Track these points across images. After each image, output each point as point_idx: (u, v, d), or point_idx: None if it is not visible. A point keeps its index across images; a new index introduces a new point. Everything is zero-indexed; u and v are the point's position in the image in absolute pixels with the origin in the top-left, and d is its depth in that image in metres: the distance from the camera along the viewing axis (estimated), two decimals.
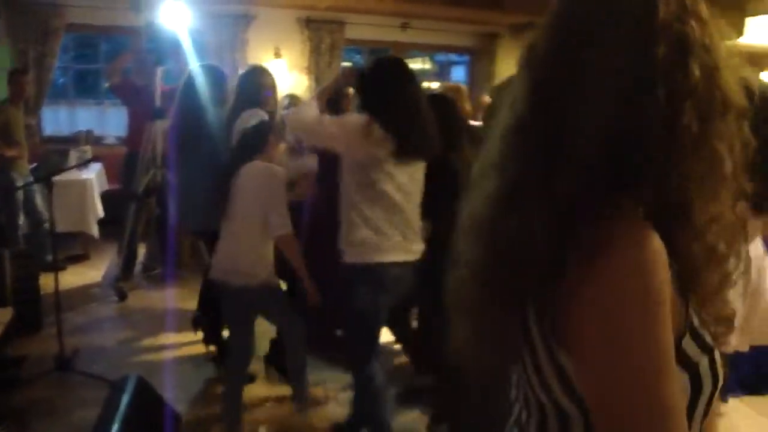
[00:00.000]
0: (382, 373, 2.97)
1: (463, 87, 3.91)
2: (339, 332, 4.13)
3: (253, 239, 3.06)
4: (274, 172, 3.08)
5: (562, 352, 0.81)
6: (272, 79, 4.13)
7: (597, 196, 0.78)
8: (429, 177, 2.92)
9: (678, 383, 0.75)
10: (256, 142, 3.15)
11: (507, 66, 8.68)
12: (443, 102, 3.26)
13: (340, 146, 2.72)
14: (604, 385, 0.74)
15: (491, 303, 0.87)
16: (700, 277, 0.85)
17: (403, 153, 2.71)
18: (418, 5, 7.27)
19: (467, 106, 3.79)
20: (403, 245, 2.80)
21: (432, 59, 10.31)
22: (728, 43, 0.85)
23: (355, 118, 2.76)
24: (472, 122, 4.08)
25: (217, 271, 3.14)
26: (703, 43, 0.80)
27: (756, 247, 3.00)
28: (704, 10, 0.83)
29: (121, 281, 5.31)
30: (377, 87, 2.74)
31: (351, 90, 4.52)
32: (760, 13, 6.38)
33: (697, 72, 0.78)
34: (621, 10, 0.81)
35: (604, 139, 0.78)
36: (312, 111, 2.74)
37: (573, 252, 0.77)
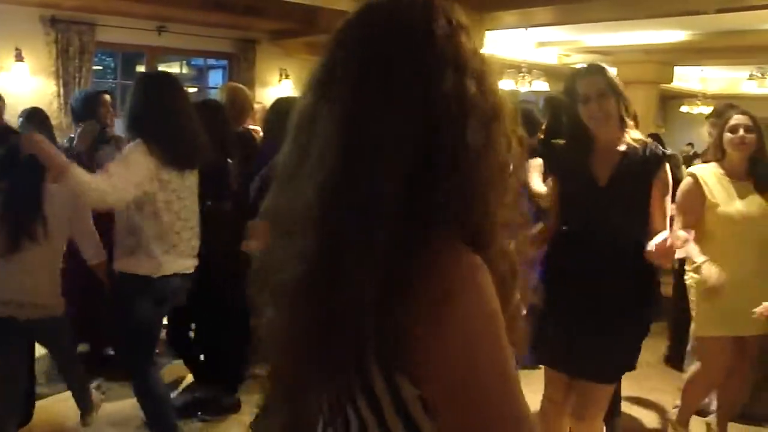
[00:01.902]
0: (162, 382, 3.08)
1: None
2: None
3: (49, 268, 2.86)
4: (77, 194, 2.62)
5: (406, 384, 0.82)
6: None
7: (416, 241, 0.79)
8: (203, 183, 3.03)
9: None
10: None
11: (266, 71, 8.53)
12: (212, 109, 3.53)
13: (143, 175, 2.68)
14: (471, 409, 0.78)
15: (322, 362, 0.83)
16: (510, 295, 0.87)
17: (174, 162, 2.78)
18: (174, 9, 6.99)
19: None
20: (173, 258, 2.86)
21: (189, 64, 9.53)
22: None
23: (127, 149, 2.76)
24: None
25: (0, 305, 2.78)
26: (472, 57, 0.85)
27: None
28: (464, 18, 0.87)
29: None
30: (143, 102, 2.81)
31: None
32: (497, 28, 6.93)
33: (473, 89, 0.83)
34: (400, 45, 0.82)
35: (407, 180, 0.79)
36: (91, 181, 2.52)
37: (413, 296, 0.77)
